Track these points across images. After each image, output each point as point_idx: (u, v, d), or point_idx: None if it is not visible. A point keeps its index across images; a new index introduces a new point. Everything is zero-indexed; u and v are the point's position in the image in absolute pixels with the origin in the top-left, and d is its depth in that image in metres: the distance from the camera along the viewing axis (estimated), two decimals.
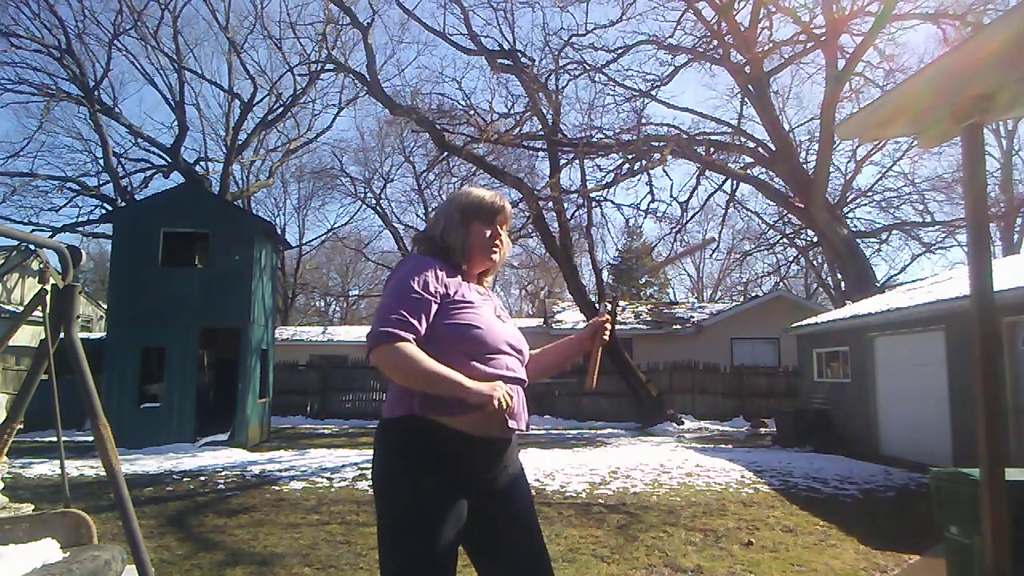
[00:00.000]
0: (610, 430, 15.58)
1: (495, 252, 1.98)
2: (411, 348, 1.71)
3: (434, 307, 1.79)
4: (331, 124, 49.66)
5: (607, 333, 2.07)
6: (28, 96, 22.51)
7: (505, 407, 1.69)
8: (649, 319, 22.81)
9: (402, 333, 1.72)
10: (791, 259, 27.56)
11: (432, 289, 1.79)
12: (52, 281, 2.21)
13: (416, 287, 1.77)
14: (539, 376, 2.08)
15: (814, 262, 27.40)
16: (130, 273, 12.12)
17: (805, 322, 13.84)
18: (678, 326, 21.58)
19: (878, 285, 16.31)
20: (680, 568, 4.76)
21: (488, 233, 1.96)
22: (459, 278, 1.90)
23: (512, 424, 1.81)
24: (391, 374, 1.75)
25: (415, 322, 1.74)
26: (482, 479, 1.82)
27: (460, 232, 1.93)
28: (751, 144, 16.52)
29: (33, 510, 2.38)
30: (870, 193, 24.63)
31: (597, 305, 17.84)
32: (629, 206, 16.92)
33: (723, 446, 12.18)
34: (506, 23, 22.67)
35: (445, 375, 1.69)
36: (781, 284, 28.91)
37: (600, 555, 5.04)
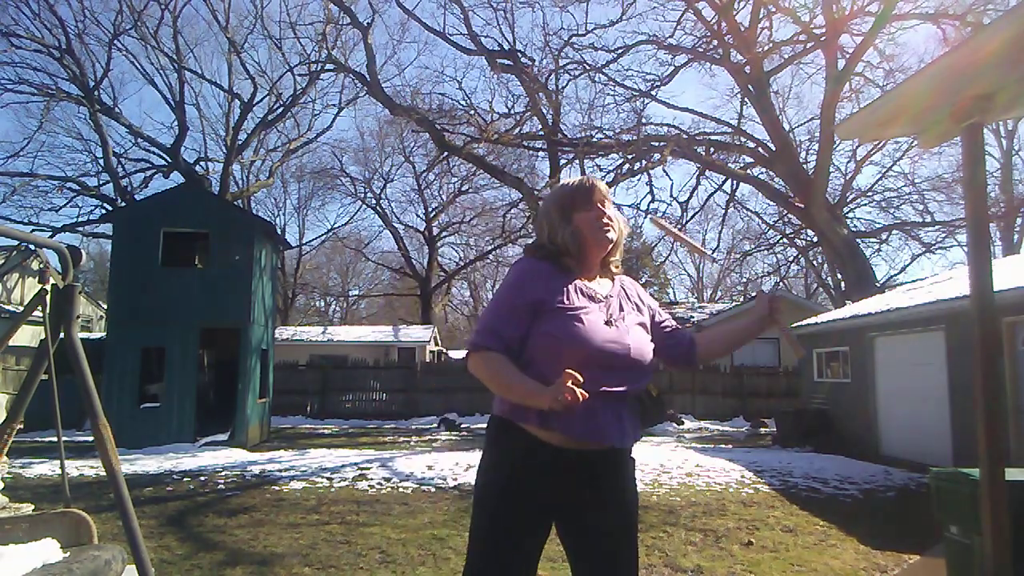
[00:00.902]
0: None
1: (607, 230, 1.89)
2: (493, 357, 1.74)
3: (529, 314, 1.78)
4: (331, 124, 49.85)
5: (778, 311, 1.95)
6: (28, 96, 22.58)
7: (565, 404, 1.58)
8: None
9: (488, 342, 1.76)
10: (791, 259, 27.60)
11: (528, 297, 1.79)
12: (52, 281, 2.21)
13: (510, 296, 1.82)
14: (718, 356, 2.05)
15: (814, 262, 27.42)
16: (130, 273, 12.12)
17: (805, 322, 13.84)
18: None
19: (878, 285, 16.32)
20: (680, 568, 4.76)
21: (593, 215, 1.88)
22: (572, 281, 1.85)
23: (595, 436, 1.75)
24: (481, 380, 1.79)
25: (503, 332, 1.77)
26: (567, 491, 1.80)
27: (566, 228, 1.88)
28: (751, 144, 16.53)
29: (33, 510, 2.38)
30: (870, 193, 24.67)
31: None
32: (629, 206, 16.90)
33: (723, 446, 12.18)
34: (506, 23, 22.73)
35: (517, 385, 1.70)
36: (781, 284, 28.93)
37: None
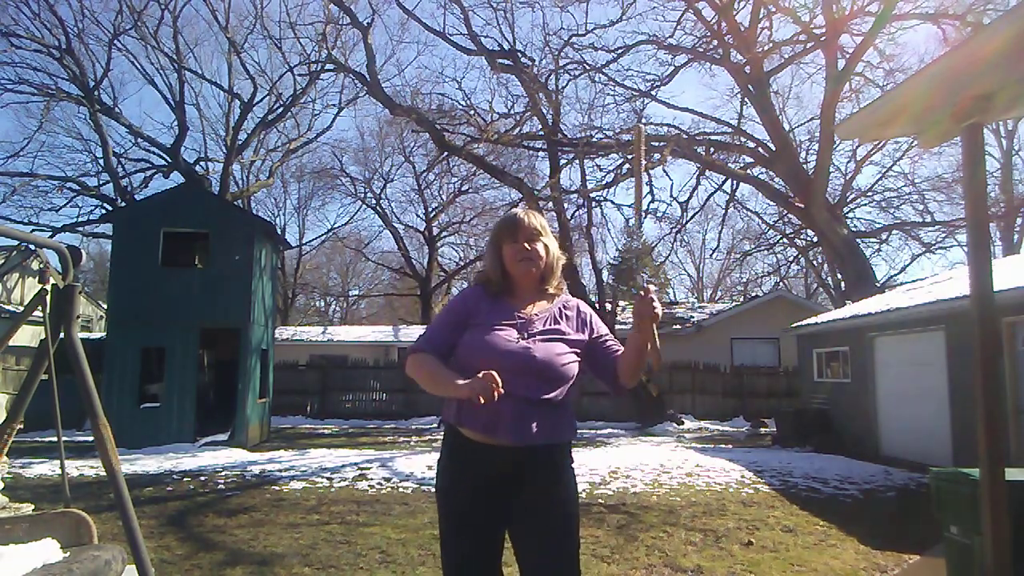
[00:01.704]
0: (610, 430, 15.58)
1: (527, 263, 2.12)
2: (423, 357, 2.03)
3: (458, 329, 2.07)
4: (331, 124, 49.75)
5: (653, 307, 1.94)
6: (28, 96, 22.54)
7: (483, 397, 1.82)
8: None
9: (421, 346, 2.07)
10: (791, 259, 27.58)
11: (458, 316, 2.10)
12: (52, 281, 2.21)
13: (445, 315, 2.14)
14: (631, 377, 2.09)
15: (814, 262, 27.40)
16: (130, 273, 12.12)
17: (805, 322, 13.84)
18: (678, 326, 21.58)
19: (878, 285, 16.31)
20: (680, 568, 4.76)
21: (515, 249, 2.12)
22: (498, 303, 2.11)
23: (496, 432, 1.94)
24: (415, 378, 2.04)
25: (435, 340, 2.08)
26: (500, 488, 2.00)
27: (496, 258, 2.16)
28: (751, 144, 16.53)
29: (33, 510, 2.38)
30: (870, 193, 24.64)
31: (597, 304, 17.81)
32: (629, 206, 16.91)
33: (723, 446, 12.18)
34: (506, 23, 22.72)
35: (442, 376, 1.97)
36: (781, 284, 28.92)
37: (600, 555, 5.04)
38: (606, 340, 2.16)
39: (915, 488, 7.68)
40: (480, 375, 1.82)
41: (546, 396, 1.99)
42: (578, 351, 2.10)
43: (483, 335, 2.03)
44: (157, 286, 12.06)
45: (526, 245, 2.12)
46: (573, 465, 2.11)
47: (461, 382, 1.87)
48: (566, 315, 2.15)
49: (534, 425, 1.96)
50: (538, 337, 2.05)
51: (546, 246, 2.15)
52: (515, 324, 2.07)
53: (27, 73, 21.70)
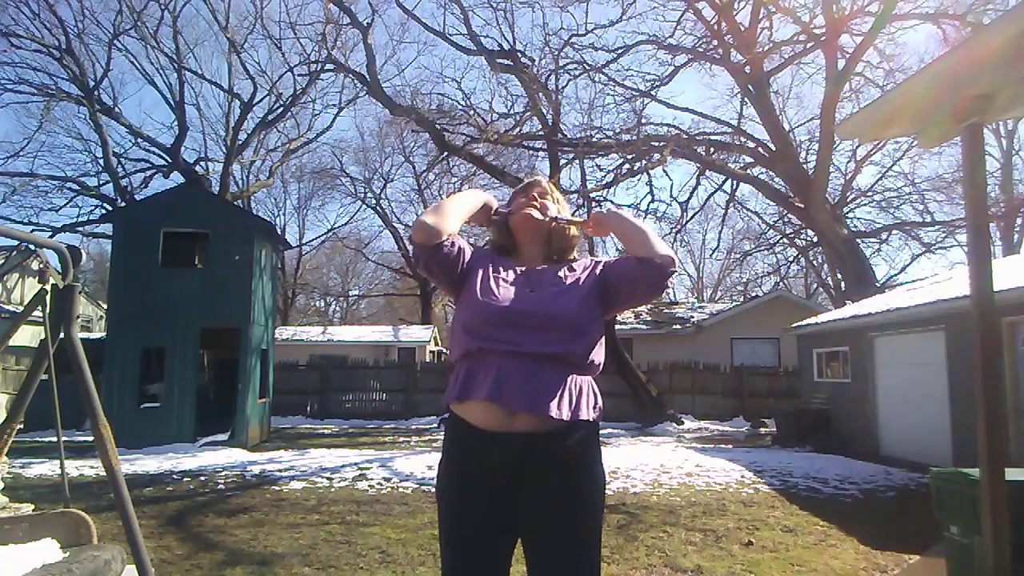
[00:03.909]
0: (610, 430, 15.57)
1: (528, 210, 1.97)
2: (430, 208, 1.94)
3: (462, 251, 1.89)
4: (331, 124, 49.76)
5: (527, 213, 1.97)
6: (28, 96, 22.49)
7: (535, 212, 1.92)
8: (649, 319, 22.81)
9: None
10: (791, 259, 27.57)
11: (468, 263, 1.90)
12: (52, 281, 2.21)
13: None
14: (640, 248, 1.88)
15: (814, 262, 27.41)
16: (130, 273, 12.12)
17: (805, 322, 13.84)
18: (678, 326, 21.58)
19: (878, 285, 16.31)
20: (680, 568, 4.76)
21: (522, 201, 2.01)
22: (505, 261, 1.96)
23: (503, 398, 1.67)
24: (428, 235, 1.83)
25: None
26: (510, 486, 1.71)
27: (503, 214, 2.04)
28: (751, 144, 16.53)
29: (33, 510, 2.39)
30: (870, 193, 24.63)
31: None
32: (629, 206, 16.88)
33: (723, 446, 12.17)
34: (506, 23, 22.72)
35: (461, 199, 1.97)
36: (781, 284, 28.90)
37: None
38: (615, 261, 1.98)
39: (915, 488, 7.68)
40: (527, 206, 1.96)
41: (561, 350, 1.72)
42: (596, 300, 1.85)
43: (486, 284, 1.83)
44: (157, 286, 12.05)
45: (535, 195, 2.02)
46: (602, 456, 1.80)
47: (488, 197, 1.96)
48: (575, 268, 1.95)
49: (550, 390, 1.68)
50: (546, 286, 1.86)
51: (558, 210, 2.02)
52: (519, 275, 1.90)
53: (27, 73, 21.68)
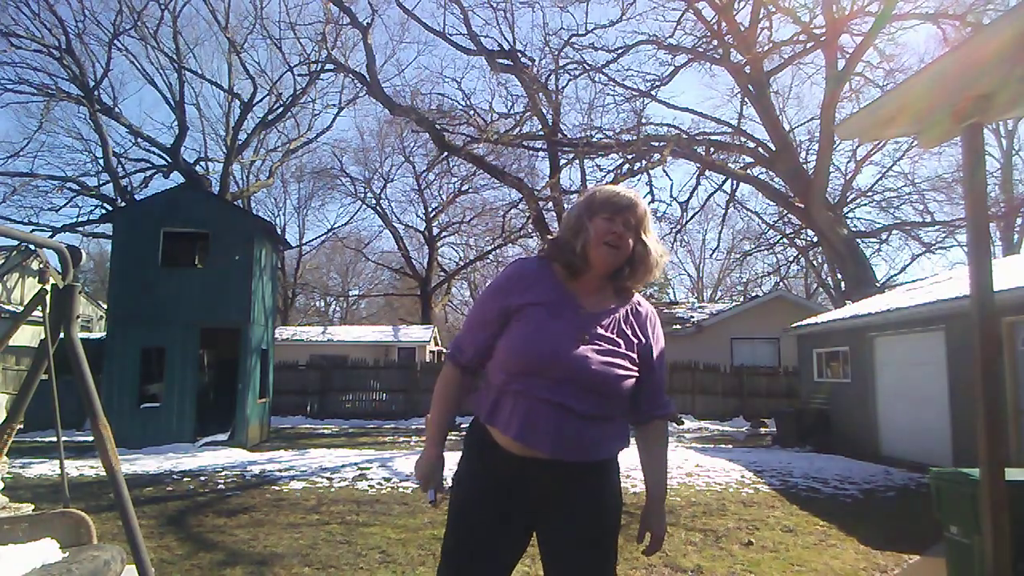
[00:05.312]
0: None
1: (611, 244, 1.76)
2: (447, 376, 1.89)
3: (499, 320, 1.80)
4: (331, 124, 49.85)
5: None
6: (28, 96, 22.55)
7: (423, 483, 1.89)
8: None
9: (449, 356, 1.90)
10: (791, 259, 27.60)
11: (501, 303, 1.80)
12: (52, 281, 2.21)
13: (482, 306, 1.87)
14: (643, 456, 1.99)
15: (814, 262, 27.41)
16: (130, 273, 12.12)
17: (805, 322, 13.83)
18: (678, 326, 21.57)
19: (878, 285, 16.31)
20: (680, 568, 4.75)
21: (606, 226, 1.77)
22: (558, 287, 1.80)
23: (529, 441, 1.70)
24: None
25: (466, 345, 1.87)
26: (530, 498, 1.77)
27: (579, 228, 1.79)
28: (751, 144, 16.53)
29: (33, 510, 2.38)
30: (870, 193, 24.66)
31: None
32: None
33: (723, 446, 12.17)
34: (506, 23, 22.73)
35: (432, 417, 1.90)
36: (781, 284, 28.93)
37: None
38: (652, 365, 1.85)
39: (915, 488, 7.68)
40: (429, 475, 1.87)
41: (599, 412, 1.73)
42: (638, 362, 1.80)
43: (531, 329, 1.72)
44: (157, 286, 12.06)
45: (622, 227, 1.78)
46: (619, 473, 1.88)
47: (424, 456, 1.88)
48: (634, 319, 1.84)
49: (577, 440, 1.70)
50: (599, 342, 1.74)
51: (644, 242, 1.81)
52: (574, 319, 1.75)
53: (27, 73, 21.74)
